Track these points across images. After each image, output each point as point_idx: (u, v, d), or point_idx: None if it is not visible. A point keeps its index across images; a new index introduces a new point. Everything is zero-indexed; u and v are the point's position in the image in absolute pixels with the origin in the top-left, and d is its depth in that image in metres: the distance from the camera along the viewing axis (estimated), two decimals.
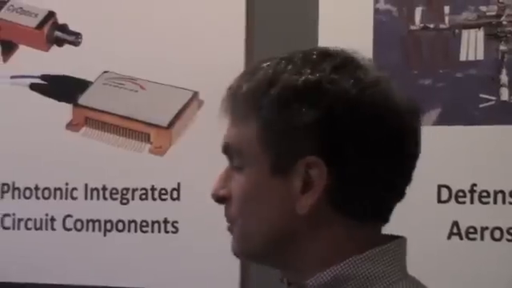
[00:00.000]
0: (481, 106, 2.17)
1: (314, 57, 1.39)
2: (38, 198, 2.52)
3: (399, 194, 1.43)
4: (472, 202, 2.16)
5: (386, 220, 1.42)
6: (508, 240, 2.14)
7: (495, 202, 2.16)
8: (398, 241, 1.43)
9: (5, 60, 2.57)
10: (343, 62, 1.39)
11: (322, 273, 1.38)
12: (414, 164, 1.41)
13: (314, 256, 1.40)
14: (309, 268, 1.39)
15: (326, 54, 1.41)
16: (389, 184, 1.40)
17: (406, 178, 1.42)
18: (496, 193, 2.15)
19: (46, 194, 2.52)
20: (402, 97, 1.42)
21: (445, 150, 1.97)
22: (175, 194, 2.41)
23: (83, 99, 2.49)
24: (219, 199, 1.39)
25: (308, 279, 1.40)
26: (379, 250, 1.41)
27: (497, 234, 2.14)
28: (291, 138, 1.37)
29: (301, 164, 1.34)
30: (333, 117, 1.35)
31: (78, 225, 2.48)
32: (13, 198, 2.54)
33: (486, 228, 2.15)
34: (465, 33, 2.22)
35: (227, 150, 1.38)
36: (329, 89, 1.35)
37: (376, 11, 2.26)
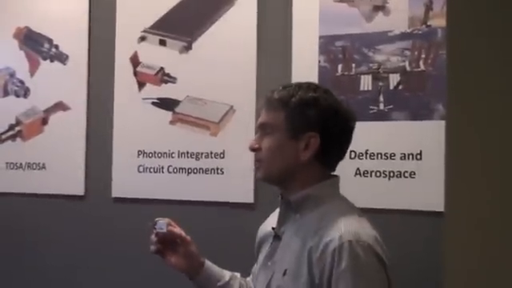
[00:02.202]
0: (370, 112, 2.18)
1: (313, 87, 1.55)
2: (155, 157, 2.53)
3: (344, 156, 1.59)
4: (366, 158, 2.18)
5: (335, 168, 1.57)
6: (383, 177, 2.15)
7: (378, 158, 2.17)
8: (337, 177, 1.57)
9: (139, 90, 2.57)
10: (327, 90, 1.56)
11: (299, 192, 1.52)
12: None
13: (300, 183, 1.53)
14: (296, 189, 1.54)
15: (318, 86, 1.57)
16: (344, 151, 1.58)
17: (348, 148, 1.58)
18: (378, 153, 2.17)
19: (160, 155, 2.52)
20: (349, 108, 1.60)
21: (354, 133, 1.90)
22: (222, 155, 2.42)
23: (177, 109, 2.51)
24: (254, 149, 1.58)
25: (292, 196, 1.54)
26: (326, 182, 1.55)
27: (378, 174, 2.16)
28: (302, 122, 1.52)
29: (306, 136, 1.51)
30: (324, 114, 1.52)
31: (175, 170, 2.49)
32: (143, 157, 2.55)
33: (372, 171, 2.17)
34: (362, 76, 2.21)
35: (263, 124, 1.56)
36: (322, 102, 1.52)
37: (319, 66, 2.25)
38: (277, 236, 1.57)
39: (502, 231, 1.06)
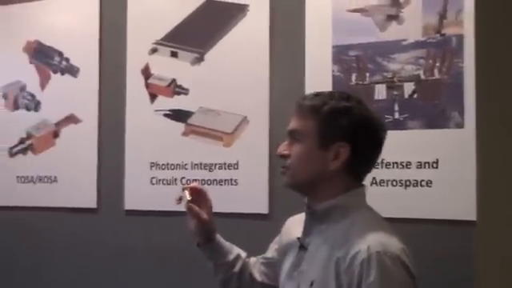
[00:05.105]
0: (385, 121, 2.08)
1: (345, 96, 1.53)
2: (167, 169, 2.51)
3: (373, 167, 1.57)
4: (382, 167, 2.13)
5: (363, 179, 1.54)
6: (399, 186, 2.12)
7: (393, 167, 2.14)
8: (363, 187, 1.56)
9: (151, 102, 2.56)
10: (359, 100, 1.54)
11: (326, 202, 1.51)
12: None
13: (327, 193, 1.52)
14: (321, 199, 1.52)
15: (350, 95, 1.54)
16: (373, 162, 1.57)
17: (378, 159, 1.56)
18: (394, 163, 2.14)
19: (173, 167, 2.51)
20: (381, 118, 1.59)
21: None
22: (236, 166, 2.40)
23: (190, 120, 2.49)
24: (282, 156, 1.55)
25: (319, 205, 1.52)
26: (352, 192, 1.53)
27: (394, 183, 2.13)
28: (333, 132, 1.50)
29: (336, 145, 1.49)
30: (355, 125, 1.50)
31: (188, 182, 2.40)
32: (156, 169, 2.53)
33: (389, 180, 2.14)
34: (376, 86, 2.19)
35: (293, 131, 1.53)
36: (355, 112, 1.50)
37: (333, 76, 2.24)
38: (302, 246, 1.55)
39: None
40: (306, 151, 1.52)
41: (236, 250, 1.79)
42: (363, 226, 1.46)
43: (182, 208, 2.47)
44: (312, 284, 1.47)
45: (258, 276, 1.78)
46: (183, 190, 1.77)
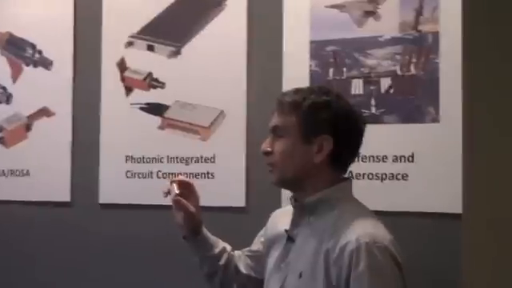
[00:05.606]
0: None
1: (325, 90, 1.57)
2: (143, 162, 2.50)
3: (355, 159, 1.61)
4: (358, 161, 2.05)
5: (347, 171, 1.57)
6: (375, 179, 2.14)
7: (370, 161, 2.15)
8: (349, 180, 1.60)
9: (127, 95, 2.54)
10: (338, 94, 1.58)
11: (313, 195, 1.53)
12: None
13: (313, 186, 1.54)
14: (309, 193, 1.54)
15: (330, 90, 1.58)
16: (355, 153, 1.60)
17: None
18: (370, 156, 2.14)
19: (149, 160, 2.49)
20: (360, 111, 1.65)
21: None
22: (212, 160, 2.40)
23: (166, 114, 2.48)
24: (266, 153, 1.57)
25: (306, 199, 1.54)
26: (339, 185, 1.56)
27: (370, 176, 2.15)
28: (315, 125, 1.52)
29: (319, 138, 1.51)
30: (336, 118, 1.52)
31: (164, 175, 2.44)
32: (131, 162, 2.52)
33: (365, 173, 2.15)
34: (353, 80, 2.20)
35: (275, 127, 1.55)
36: (334, 105, 1.53)
37: (310, 71, 2.25)
38: (290, 238, 1.57)
39: None
40: (289, 146, 1.54)
41: (222, 244, 1.81)
42: (351, 217, 1.49)
43: (157, 201, 2.45)
44: (301, 275, 1.49)
45: (243, 269, 1.79)
46: (171, 183, 1.76)
